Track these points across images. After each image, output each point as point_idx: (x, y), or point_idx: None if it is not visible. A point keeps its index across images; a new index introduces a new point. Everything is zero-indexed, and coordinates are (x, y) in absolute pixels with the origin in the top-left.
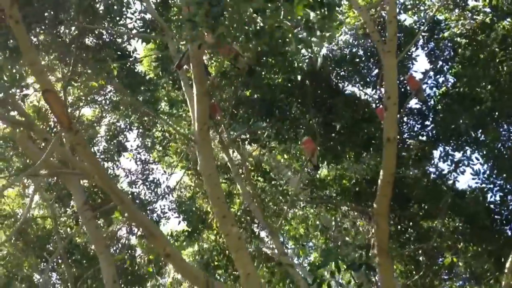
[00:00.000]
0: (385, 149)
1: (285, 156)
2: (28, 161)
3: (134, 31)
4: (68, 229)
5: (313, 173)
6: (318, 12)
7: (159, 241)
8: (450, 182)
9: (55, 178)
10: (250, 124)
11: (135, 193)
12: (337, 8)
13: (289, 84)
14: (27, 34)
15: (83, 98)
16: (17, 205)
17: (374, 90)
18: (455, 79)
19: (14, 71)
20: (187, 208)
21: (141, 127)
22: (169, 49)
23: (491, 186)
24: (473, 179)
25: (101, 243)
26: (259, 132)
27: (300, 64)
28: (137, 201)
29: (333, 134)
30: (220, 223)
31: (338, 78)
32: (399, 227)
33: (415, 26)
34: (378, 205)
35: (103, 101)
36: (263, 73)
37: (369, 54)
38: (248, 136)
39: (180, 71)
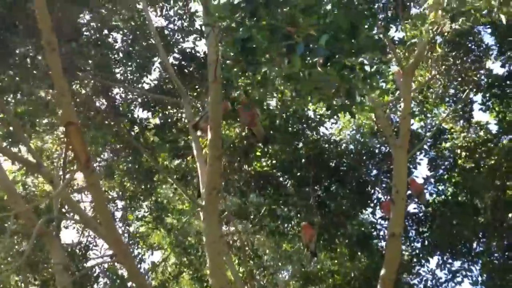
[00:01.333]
0: (389, 244)
1: (276, 237)
2: None
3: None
4: None
5: (311, 259)
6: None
7: None
8: None
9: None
10: (243, 197)
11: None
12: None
13: (285, 163)
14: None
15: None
16: None
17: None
18: (454, 189)
19: None
20: None
21: (138, 197)
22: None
23: None
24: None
25: None
26: (251, 209)
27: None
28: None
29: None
30: None
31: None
32: None
33: (421, 131)
34: None
35: (97, 167)
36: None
37: (370, 154)
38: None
39: (192, 134)
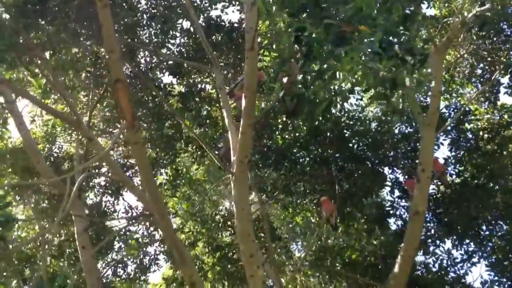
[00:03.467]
0: (412, 222)
1: (290, 210)
2: None
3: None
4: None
5: (330, 233)
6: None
7: (188, 268)
8: (462, 271)
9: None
10: (259, 170)
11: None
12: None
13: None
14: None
15: (99, 127)
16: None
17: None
18: (475, 171)
19: None
20: None
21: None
22: (215, 80)
23: (504, 279)
24: (486, 270)
25: (94, 273)
26: (267, 183)
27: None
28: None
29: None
30: (246, 262)
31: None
32: None
33: (445, 111)
34: (394, 281)
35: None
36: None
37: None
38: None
39: (224, 101)
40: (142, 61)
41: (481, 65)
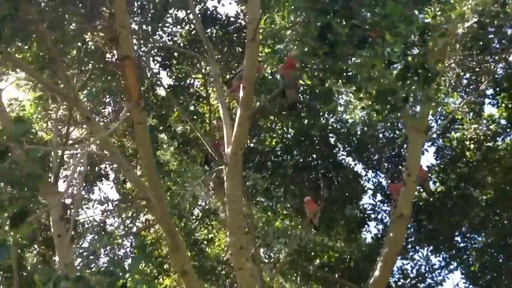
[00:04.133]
0: (395, 225)
1: (269, 214)
2: None
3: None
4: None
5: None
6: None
7: (180, 256)
8: (440, 278)
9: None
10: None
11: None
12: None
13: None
14: None
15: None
16: None
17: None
18: (459, 180)
19: None
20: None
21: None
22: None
23: None
24: (462, 279)
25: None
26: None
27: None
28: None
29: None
30: (235, 254)
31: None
32: None
33: (431, 118)
34: (374, 284)
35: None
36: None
37: (374, 138)
38: None
39: (219, 91)
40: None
41: (469, 74)
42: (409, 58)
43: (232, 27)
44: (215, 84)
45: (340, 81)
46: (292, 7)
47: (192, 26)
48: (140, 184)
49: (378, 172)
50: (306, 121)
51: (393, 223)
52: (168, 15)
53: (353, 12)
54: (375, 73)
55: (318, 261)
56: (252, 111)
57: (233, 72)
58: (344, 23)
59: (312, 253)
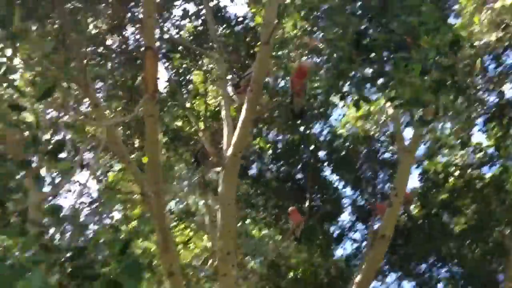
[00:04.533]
0: (377, 245)
1: (247, 223)
2: None
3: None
4: None
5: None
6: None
7: (170, 256)
8: None
9: None
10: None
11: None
12: None
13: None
14: None
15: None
16: None
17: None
18: (440, 206)
19: None
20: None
21: None
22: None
23: None
24: None
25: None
26: None
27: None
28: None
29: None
30: (221, 259)
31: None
32: None
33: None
34: None
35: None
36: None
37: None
38: None
39: (224, 92)
40: (132, 37)
41: (458, 100)
42: (441, 68)
43: (240, 27)
44: (220, 83)
45: (372, 88)
46: (303, 13)
47: (200, 21)
48: (138, 177)
49: (357, 191)
50: (300, 129)
51: (374, 242)
52: (177, 7)
53: (388, 19)
54: (410, 78)
55: (291, 274)
56: (257, 115)
57: (235, 72)
58: (379, 29)
59: (285, 267)
